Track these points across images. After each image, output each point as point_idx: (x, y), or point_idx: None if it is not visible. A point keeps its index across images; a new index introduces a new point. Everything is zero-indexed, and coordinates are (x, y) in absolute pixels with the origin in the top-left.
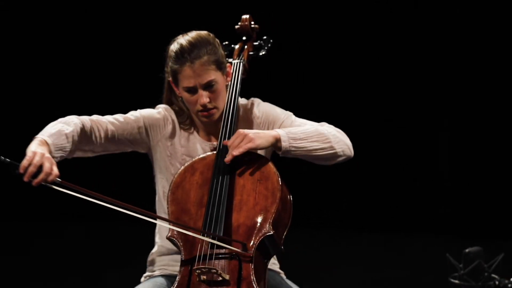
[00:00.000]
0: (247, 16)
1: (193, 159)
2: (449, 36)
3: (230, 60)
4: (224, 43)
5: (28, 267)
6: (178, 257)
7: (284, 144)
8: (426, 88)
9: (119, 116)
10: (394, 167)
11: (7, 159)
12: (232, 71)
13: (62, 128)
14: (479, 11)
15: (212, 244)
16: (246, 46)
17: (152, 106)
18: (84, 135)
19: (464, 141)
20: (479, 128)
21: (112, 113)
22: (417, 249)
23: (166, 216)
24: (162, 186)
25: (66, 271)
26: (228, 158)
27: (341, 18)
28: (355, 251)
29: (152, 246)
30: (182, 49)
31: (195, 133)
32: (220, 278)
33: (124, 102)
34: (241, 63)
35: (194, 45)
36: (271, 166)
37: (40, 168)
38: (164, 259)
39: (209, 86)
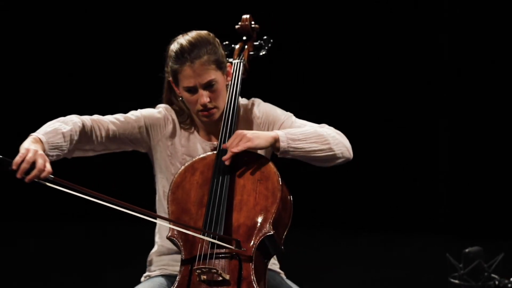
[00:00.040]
0: (248, 16)
1: (194, 159)
2: (449, 36)
3: (231, 60)
4: (224, 43)
5: (27, 267)
6: (178, 257)
7: (283, 144)
8: (426, 88)
9: (120, 116)
10: (394, 167)
11: (0, 156)
12: (232, 71)
13: (59, 127)
14: (479, 11)
15: (213, 244)
16: (246, 46)
17: (152, 105)
18: (84, 134)
19: (464, 141)
20: (479, 128)
21: (112, 113)
22: (417, 249)
23: (166, 216)
24: (162, 186)
25: (66, 271)
26: (227, 156)
27: (341, 18)
28: (355, 251)
29: (152, 246)
30: (182, 49)
31: (195, 132)
32: (220, 278)
33: (124, 101)
34: (242, 63)
35: (194, 44)
36: (271, 166)
37: (33, 164)
38: (164, 259)
39: (209, 86)
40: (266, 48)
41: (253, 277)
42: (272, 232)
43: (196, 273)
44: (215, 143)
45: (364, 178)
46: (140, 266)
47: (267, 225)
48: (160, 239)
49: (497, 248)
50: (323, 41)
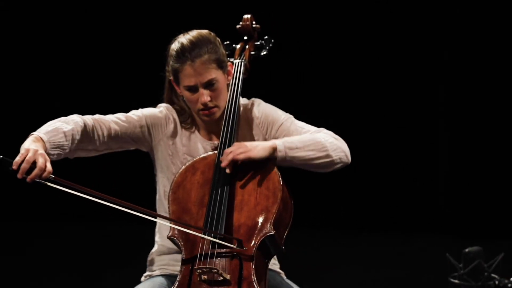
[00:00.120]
0: (249, 16)
1: (194, 159)
2: (449, 36)
3: (232, 59)
4: (225, 43)
5: (27, 267)
6: (178, 257)
7: (281, 154)
8: (426, 88)
9: (121, 115)
10: (394, 167)
11: (0, 156)
12: (233, 70)
13: (61, 126)
14: (479, 11)
15: (213, 243)
16: (247, 46)
17: (153, 105)
18: (86, 134)
19: (464, 141)
20: (479, 128)
21: (113, 113)
22: (417, 249)
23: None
24: (163, 185)
25: (66, 271)
26: (227, 170)
27: (342, 18)
28: (355, 251)
29: (152, 245)
30: (183, 48)
31: (196, 132)
32: (221, 278)
33: (125, 101)
34: (243, 63)
35: (195, 44)
36: (272, 166)
37: (33, 164)
38: (164, 259)
39: (210, 85)
40: (267, 48)
41: (253, 277)
42: (273, 232)
43: (197, 273)
44: (216, 142)
45: (364, 178)
46: (140, 266)
47: (268, 225)
48: (161, 239)
49: (497, 248)
50: (323, 42)
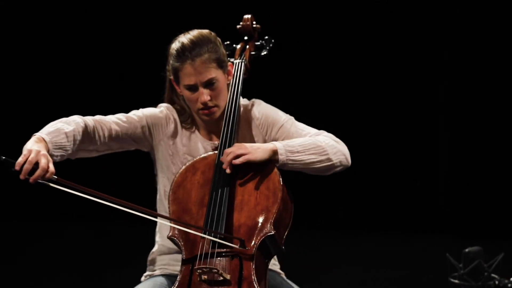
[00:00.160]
0: (249, 16)
1: (195, 159)
2: (449, 36)
3: (232, 59)
4: (226, 43)
5: (27, 267)
6: (178, 257)
7: (282, 157)
8: (426, 88)
9: (122, 116)
10: (394, 167)
11: (3, 157)
12: (233, 70)
13: (62, 127)
14: (479, 11)
15: (213, 243)
16: (247, 46)
17: (154, 105)
18: (87, 134)
19: (464, 141)
20: (479, 128)
21: (114, 113)
22: (417, 249)
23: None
24: (163, 185)
25: (66, 271)
26: (227, 171)
27: (342, 18)
28: (355, 251)
29: (152, 245)
30: (183, 47)
31: (196, 132)
32: (221, 278)
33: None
34: (243, 63)
35: (195, 43)
36: (272, 166)
37: (36, 165)
38: (164, 259)
39: (209, 84)
40: (268, 48)
41: (254, 277)
42: (273, 232)
43: (197, 273)
44: (216, 142)
45: (364, 178)
46: (140, 266)
47: (268, 225)
48: (161, 239)
49: (497, 248)
50: (323, 42)
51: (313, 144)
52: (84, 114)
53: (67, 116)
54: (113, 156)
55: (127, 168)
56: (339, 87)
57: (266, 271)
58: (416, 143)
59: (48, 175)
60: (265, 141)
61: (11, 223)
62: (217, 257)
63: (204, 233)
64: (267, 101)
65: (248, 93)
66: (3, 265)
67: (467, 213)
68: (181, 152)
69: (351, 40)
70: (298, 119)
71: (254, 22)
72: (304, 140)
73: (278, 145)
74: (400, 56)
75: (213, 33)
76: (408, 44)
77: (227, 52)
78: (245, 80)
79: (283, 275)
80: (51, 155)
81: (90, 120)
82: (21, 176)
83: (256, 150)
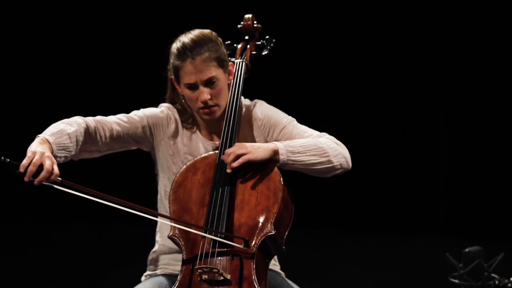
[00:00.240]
0: (250, 15)
1: (195, 158)
2: (449, 36)
3: (233, 59)
4: (226, 42)
5: (27, 267)
6: (179, 256)
7: (282, 157)
8: (427, 88)
9: (123, 116)
10: (394, 167)
11: (7, 159)
12: (234, 70)
13: (65, 128)
14: (479, 11)
15: (214, 243)
16: (248, 46)
17: (155, 105)
18: (89, 135)
19: (464, 141)
20: (478, 128)
21: (115, 113)
22: (417, 249)
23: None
24: (164, 185)
25: (66, 271)
26: (228, 170)
27: (342, 18)
28: (355, 251)
29: (153, 245)
30: (184, 46)
31: (197, 132)
32: (222, 278)
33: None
34: (244, 63)
35: (196, 42)
36: (272, 166)
37: (40, 167)
38: (165, 258)
39: (210, 83)
40: (268, 48)
41: (254, 277)
42: (273, 232)
43: (197, 273)
44: (217, 142)
45: (364, 178)
46: (140, 266)
47: (269, 225)
48: (161, 238)
49: (497, 248)
50: (324, 42)
51: (314, 146)
52: (85, 114)
53: (68, 117)
54: (114, 156)
55: (128, 168)
56: (339, 87)
57: (267, 271)
58: (416, 143)
59: (53, 177)
60: (266, 142)
61: (11, 223)
62: (217, 256)
63: (205, 232)
64: (267, 101)
65: (249, 93)
66: (3, 265)
67: (467, 213)
68: (182, 152)
69: (352, 40)
70: (298, 119)
71: (255, 22)
72: (306, 141)
73: (279, 145)
74: (400, 56)
75: (214, 33)
76: (408, 44)
77: (228, 52)
78: (246, 80)
79: (283, 275)
80: (55, 157)
81: (91, 120)
82: (26, 178)
83: (257, 150)
